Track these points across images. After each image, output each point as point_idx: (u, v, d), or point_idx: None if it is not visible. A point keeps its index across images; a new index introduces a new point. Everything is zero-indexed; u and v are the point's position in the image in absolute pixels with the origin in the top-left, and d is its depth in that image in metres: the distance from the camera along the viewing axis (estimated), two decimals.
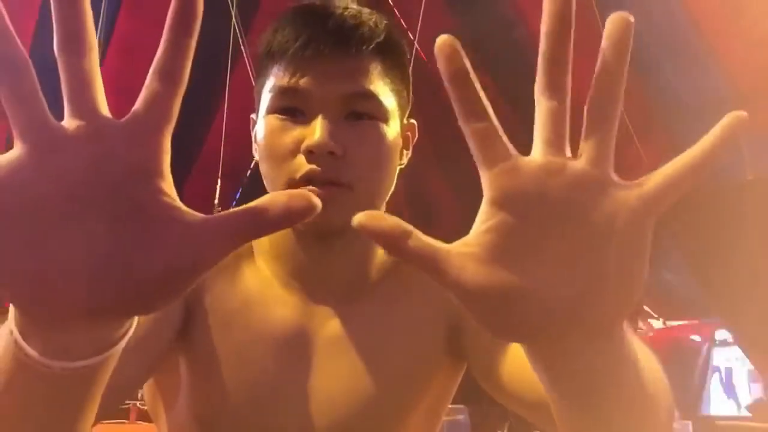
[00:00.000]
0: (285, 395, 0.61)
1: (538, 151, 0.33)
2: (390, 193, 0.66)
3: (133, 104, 0.33)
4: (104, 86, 0.33)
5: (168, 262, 0.30)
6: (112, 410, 0.51)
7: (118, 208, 0.30)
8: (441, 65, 0.32)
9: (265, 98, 0.63)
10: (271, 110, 0.62)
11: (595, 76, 0.33)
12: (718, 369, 7.23)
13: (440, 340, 0.66)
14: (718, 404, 7.16)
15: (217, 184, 5.76)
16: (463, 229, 0.34)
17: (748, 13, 4.11)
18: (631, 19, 0.33)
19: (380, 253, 0.68)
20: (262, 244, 0.67)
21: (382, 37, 0.62)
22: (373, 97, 0.61)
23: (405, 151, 0.68)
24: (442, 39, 0.32)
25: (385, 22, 0.63)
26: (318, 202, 0.31)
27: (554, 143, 0.33)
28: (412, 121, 0.69)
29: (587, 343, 0.34)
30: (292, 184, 0.59)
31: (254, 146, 0.66)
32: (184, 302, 0.62)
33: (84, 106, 0.32)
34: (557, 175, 0.32)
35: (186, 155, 8.43)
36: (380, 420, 0.62)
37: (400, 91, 0.65)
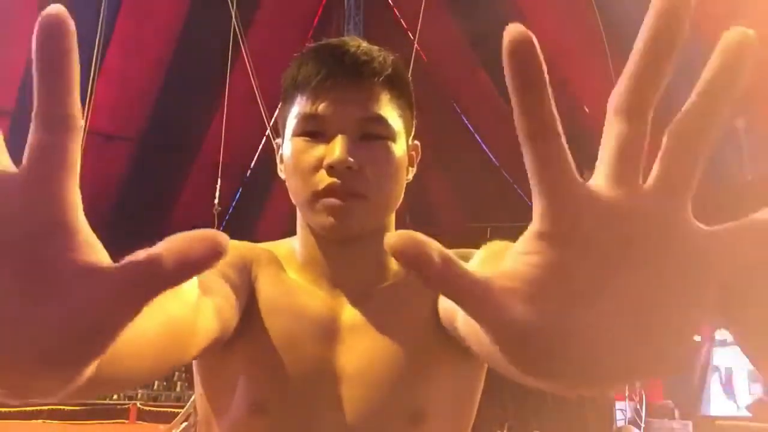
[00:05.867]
0: (323, 369, 0.70)
1: (606, 183, 0.29)
2: (399, 203, 0.74)
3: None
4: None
5: (76, 319, 0.27)
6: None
7: (19, 266, 0.28)
8: (511, 67, 0.26)
9: (291, 123, 0.71)
10: (296, 133, 0.70)
11: (695, 92, 0.29)
12: (718, 369, 7.24)
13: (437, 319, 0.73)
14: (718, 404, 7.17)
15: (216, 183, 5.77)
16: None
17: (748, 14, 4.11)
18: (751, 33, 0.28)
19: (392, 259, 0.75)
20: (293, 257, 0.76)
21: (390, 70, 0.70)
22: (383, 121, 0.70)
23: (410, 168, 0.77)
24: (517, 32, 0.26)
25: (392, 57, 0.72)
26: (224, 240, 0.27)
27: (626, 175, 0.28)
28: (416, 142, 0.78)
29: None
30: (316, 194, 0.68)
31: (279, 166, 0.75)
32: (250, 287, 0.71)
33: None
34: (627, 214, 0.28)
35: (185, 155, 8.13)
36: (399, 384, 0.69)
37: (405, 116, 0.73)
